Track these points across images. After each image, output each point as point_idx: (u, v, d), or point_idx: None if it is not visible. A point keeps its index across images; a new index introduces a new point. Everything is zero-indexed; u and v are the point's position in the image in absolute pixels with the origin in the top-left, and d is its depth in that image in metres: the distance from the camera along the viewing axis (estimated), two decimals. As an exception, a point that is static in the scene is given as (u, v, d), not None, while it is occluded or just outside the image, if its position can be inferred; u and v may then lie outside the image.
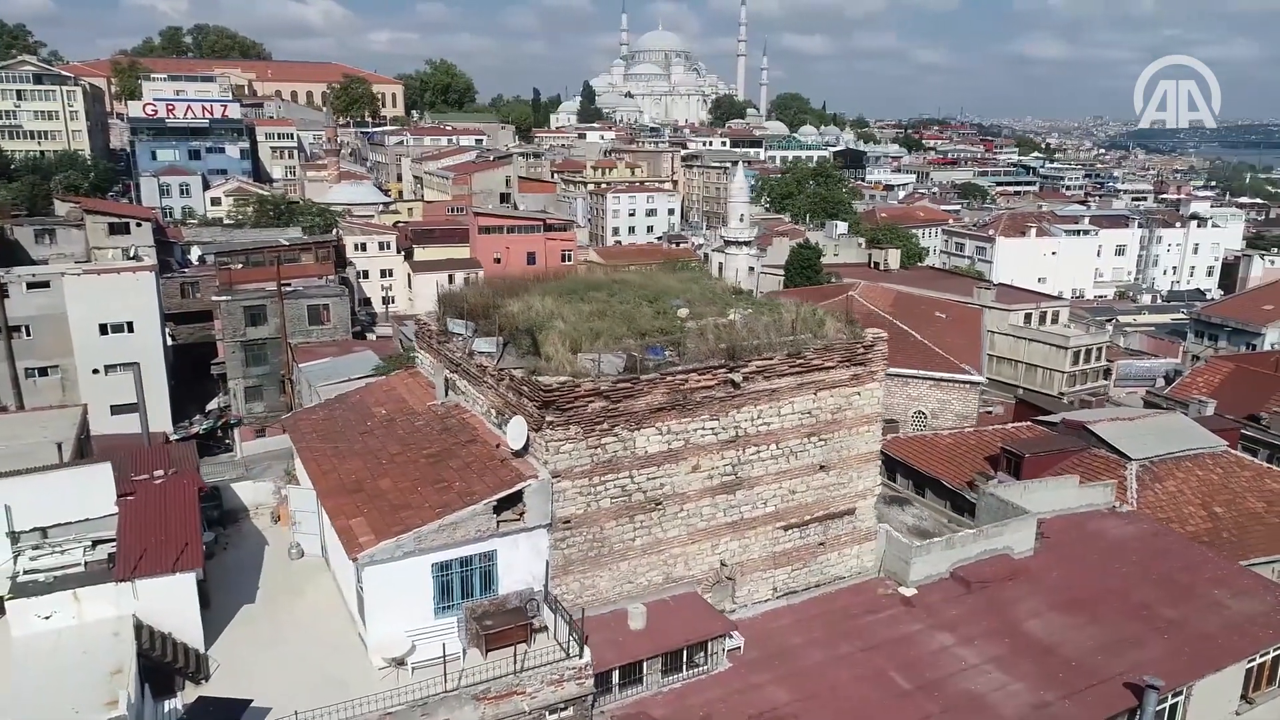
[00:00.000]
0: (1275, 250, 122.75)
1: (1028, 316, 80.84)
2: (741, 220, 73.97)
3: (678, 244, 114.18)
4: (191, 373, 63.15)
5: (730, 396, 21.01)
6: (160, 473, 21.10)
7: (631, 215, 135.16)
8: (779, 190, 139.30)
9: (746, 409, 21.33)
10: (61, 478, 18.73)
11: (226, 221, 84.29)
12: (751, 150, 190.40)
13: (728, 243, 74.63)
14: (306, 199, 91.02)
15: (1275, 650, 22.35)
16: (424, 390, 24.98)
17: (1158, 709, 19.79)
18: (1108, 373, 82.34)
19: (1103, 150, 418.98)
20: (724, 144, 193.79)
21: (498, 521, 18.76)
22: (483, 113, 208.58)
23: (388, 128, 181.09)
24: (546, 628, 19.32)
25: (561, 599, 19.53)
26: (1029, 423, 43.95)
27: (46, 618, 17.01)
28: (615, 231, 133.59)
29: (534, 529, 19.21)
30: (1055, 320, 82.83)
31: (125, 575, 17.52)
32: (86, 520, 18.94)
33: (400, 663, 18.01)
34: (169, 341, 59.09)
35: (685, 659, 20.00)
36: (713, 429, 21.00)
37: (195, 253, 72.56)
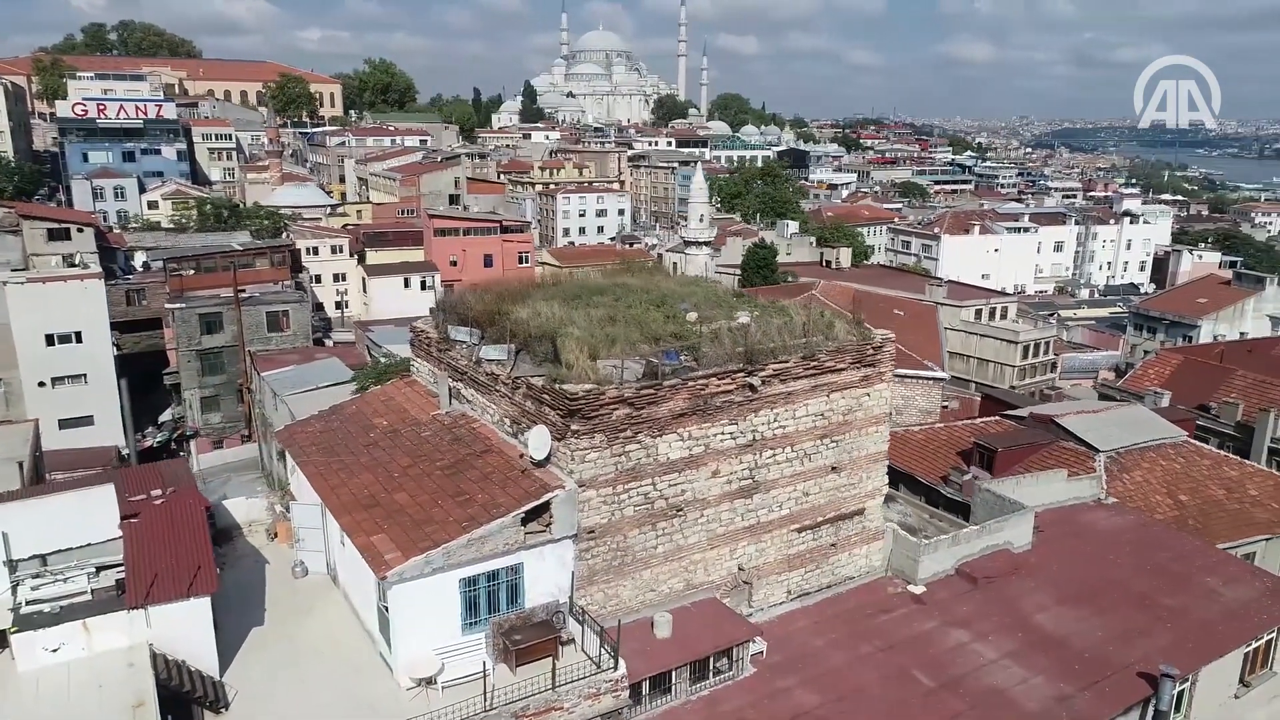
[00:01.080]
0: (1202, 245, 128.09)
1: (978, 312, 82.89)
2: (701, 220, 74.20)
3: (631, 244, 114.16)
4: (139, 383, 60.81)
5: (748, 401, 20.94)
6: (158, 492, 20.14)
7: (582, 216, 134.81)
8: (728, 190, 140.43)
9: (763, 413, 21.28)
10: (62, 501, 17.72)
11: (168, 226, 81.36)
12: (697, 150, 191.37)
13: (688, 243, 74.85)
14: (255, 202, 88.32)
15: (1269, 635, 23.17)
16: (425, 400, 24.38)
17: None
18: (1053, 366, 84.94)
19: (1029, 149, 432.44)
20: (669, 144, 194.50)
21: (525, 534, 18.38)
22: (425, 113, 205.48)
23: (327, 128, 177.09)
24: (574, 640, 18.99)
25: (586, 610, 19.22)
26: (996, 417, 44.86)
27: (54, 650, 16.10)
28: (565, 233, 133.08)
29: (560, 540, 18.86)
30: (1004, 316, 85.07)
31: (137, 602, 16.68)
32: (89, 545, 17.97)
33: (430, 682, 17.50)
34: (114, 351, 56.82)
35: (712, 666, 19.86)
36: (731, 433, 20.90)
37: (140, 259, 69.88)
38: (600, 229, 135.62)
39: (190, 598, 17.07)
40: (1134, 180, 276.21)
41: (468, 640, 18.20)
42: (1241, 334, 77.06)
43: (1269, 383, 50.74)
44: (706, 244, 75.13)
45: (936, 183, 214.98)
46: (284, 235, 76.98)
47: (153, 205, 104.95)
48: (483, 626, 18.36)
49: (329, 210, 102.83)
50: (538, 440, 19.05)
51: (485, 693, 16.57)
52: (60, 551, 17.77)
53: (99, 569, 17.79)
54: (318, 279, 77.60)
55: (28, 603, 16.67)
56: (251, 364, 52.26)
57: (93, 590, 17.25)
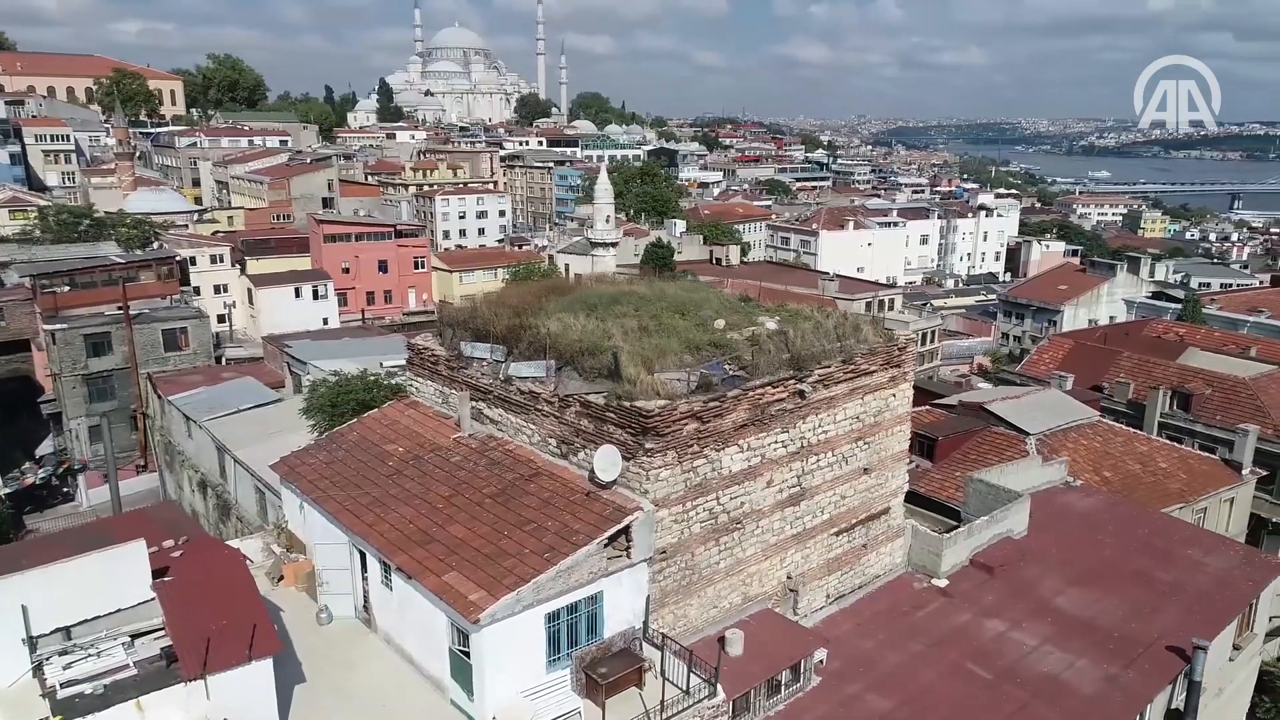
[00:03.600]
0: (1048, 236, 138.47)
1: (868, 305, 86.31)
2: (608, 221, 73.64)
3: (520, 246, 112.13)
4: (2, 414, 54.51)
5: (797, 408, 20.74)
6: (170, 543, 17.92)
7: (462, 218, 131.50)
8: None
9: (810, 419, 21.15)
10: (87, 564, 15.33)
11: (16, 237, 73.29)
12: (568, 150, 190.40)
13: (594, 244, 74.08)
14: (119, 210, 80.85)
15: (1253, 600, 25.09)
16: (436, 422, 22.84)
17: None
18: (934, 353, 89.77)
19: (870, 146, 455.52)
20: (540, 144, 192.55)
21: (607, 560, 17.48)
22: (280, 111, 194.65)
23: (173, 128, 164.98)
24: (653, 666, 18.23)
25: (664, 634, 18.51)
26: (927, 406, 46.66)
27: (106, 737, 13.99)
28: (446, 235, 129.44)
29: (637, 564, 18.06)
30: (892, 307, 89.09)
31: (196, 673, 14.72)
32: (118, 611, 15.73)
33: (521, 728, 16.36)
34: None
35: (784, 679, 19.56)
36: (783, 442, 20.65)
37: (-8, 275, 62.41)
38: (481, 231, 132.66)
39: (252, 661, 15.23)
40: (964, 175, 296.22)
41: (552, 679, 17.14)
42: (1111, 317, 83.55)
43: (1152, 362, 55.26)
44: (614, 245, 74.67)
45: (798, 180, 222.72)
46: (156, 245, 70.88)
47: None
48: (566, 662, 17.34)
49: (195, 217, 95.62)
50: (606, 461, 18.14)
51: (605, 734, 15.62)
52: (85, 622, 15.46)
53: (133, 637, 15.60)
54: (197, 291, 72.08)
55: (62, 685, 14.39)
56: (151, 387, 47.79)
57: (134, 663, 15.09)
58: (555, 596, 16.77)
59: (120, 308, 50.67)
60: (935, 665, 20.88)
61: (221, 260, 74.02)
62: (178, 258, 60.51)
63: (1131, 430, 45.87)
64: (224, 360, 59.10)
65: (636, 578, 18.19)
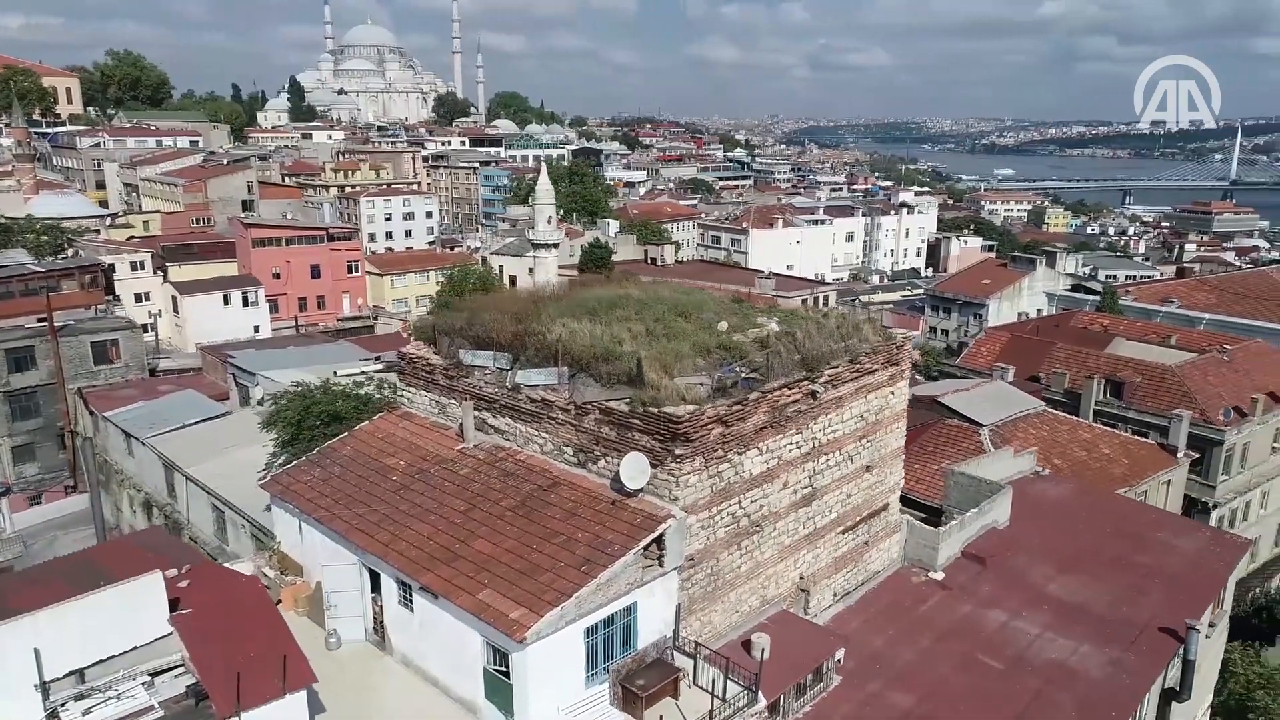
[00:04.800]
0: (965, 232, 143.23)
1: (804, 301, 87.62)
2: (550, 222, 72.86)
3: (453, 248, 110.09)
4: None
5: (810, 409, 20.80)
6: (175, 572, 16.83)
7: (388, 220, 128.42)
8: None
9: (820, 419, 21.23)
10: (103, 601, 14.20)
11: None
12: (492, 150, 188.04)
13: (536, 245, 73.20)
14: (28, 215, 76.05)
15: (1228, 579, 26.30)
16: (435, 434, 22.12)
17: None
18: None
19: (783, 145, 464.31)
20: (463, 143, 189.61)
21: (642, 570, 17.18)
22: (187, 111, 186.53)
23: (72, 128, 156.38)
24: (686, 675, 18.01)
25: (693, 641, 18.31)
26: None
27: (139, 785, 13.03)
28: (372, 238, 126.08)
29: (668, 572, 17.80)
30: (827, 303, 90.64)
31: (229, 711, 13.85)
32: (133, 650, 14.66)
33: (565, 747, 15.93)
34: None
35: (809, 680, 19.57)
36: (797, 443, 20.67)
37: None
38: (408, 233, 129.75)
39: (286, 695, 14.42)
40: (875, 173, 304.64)
41: (591, 694, 16.77)
42: (1039, 310, 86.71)
43: (1084, 352, 57.59)
44: (555, 246, 73.92)
45: (721, 179, 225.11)
46: (71, 253, 67.00)
47: None
48: (603, 677, 16.99)
49: (107, 222, 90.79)
50: (634, 468, 17.81)
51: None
52: (100, 662, 14.37)
53: (153, 675, 14.58)
54: (117, 299, 68.48)
55: (84, 732, 13.34)
56: (82, 403, 45.11)
57: (159, 703, 14.10)
58: (595, 610, 16.39)
59: (42, 319, 47.69)
60: (947, 658, 21.21)
61: (143, 267, 70.48)
62: (99, 266, 57.22)
63: (1075, 419, 47.69)
64: (158, 373, 56.27)
65: (668, 586, 17.94)
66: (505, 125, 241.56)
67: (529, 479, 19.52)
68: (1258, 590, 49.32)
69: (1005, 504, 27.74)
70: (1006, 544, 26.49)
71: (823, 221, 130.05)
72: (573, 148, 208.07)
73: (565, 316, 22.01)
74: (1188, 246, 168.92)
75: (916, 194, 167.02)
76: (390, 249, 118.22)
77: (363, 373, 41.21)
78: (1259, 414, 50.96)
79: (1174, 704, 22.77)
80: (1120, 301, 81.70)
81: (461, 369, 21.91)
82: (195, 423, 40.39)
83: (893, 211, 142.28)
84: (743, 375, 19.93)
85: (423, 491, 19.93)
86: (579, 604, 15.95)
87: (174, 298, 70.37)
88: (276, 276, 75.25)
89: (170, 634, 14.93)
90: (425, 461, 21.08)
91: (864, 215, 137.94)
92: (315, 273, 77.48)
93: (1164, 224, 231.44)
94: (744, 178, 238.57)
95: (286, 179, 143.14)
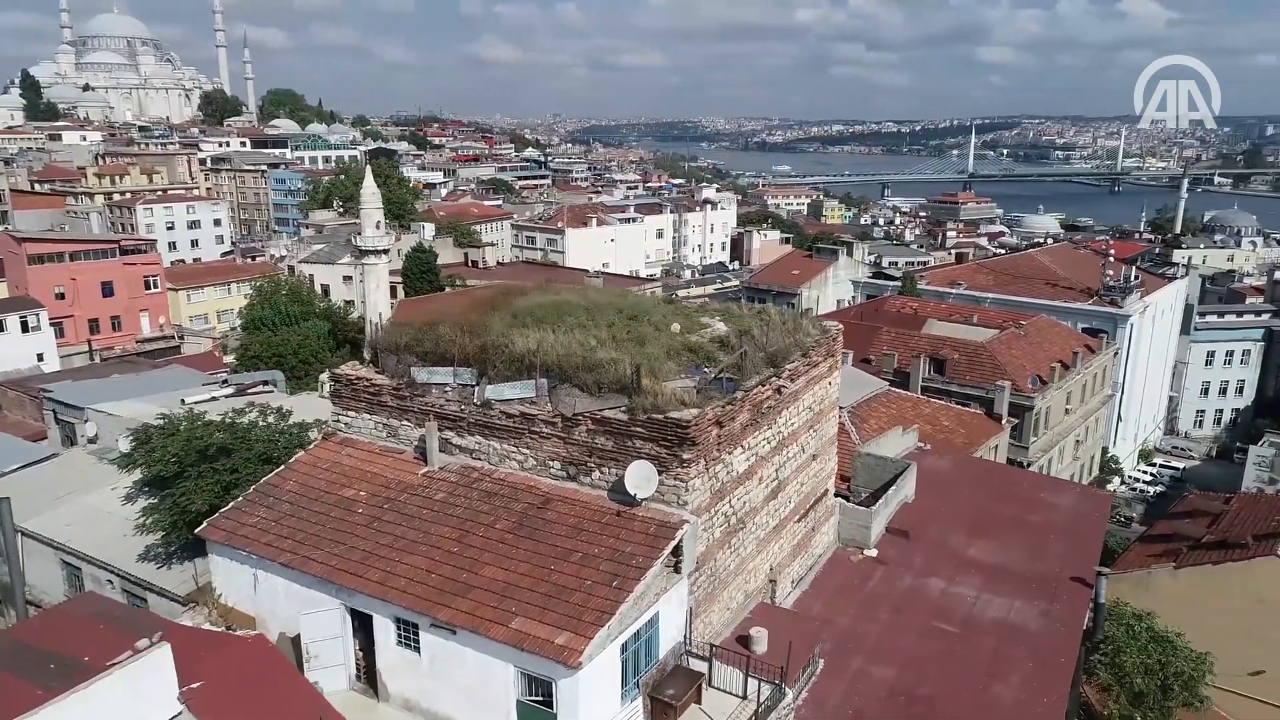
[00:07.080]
0: (765, 225, 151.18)
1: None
2: (378, 227, 69.16)
3: (254, 257, 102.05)
4: None
5: (777, 404, 21.34)
6: (146, 642, 14.69)
7: (171, 229, 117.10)
8: (339, 192, 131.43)
9: (784, 414, 21.83)
10: (107, 688, 12.07)
11: None
12: (277, 151, 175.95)
13: (364, 252, 69.24)
14: None
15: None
16: (387, 459, 20.65)
17: (1081, 592, 25.17)
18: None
19: (570, 144, 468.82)
20: (243, 144, 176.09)
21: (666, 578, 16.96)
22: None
23: None
24: (705, 677, 18.00)
25: (702, 643, 18.34)
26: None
27: None
28: (154, 248, 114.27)
29: (683, 578, 17.70)
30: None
31: (280, 789, 12.34)
32: (143, 736, 12.64)
33: (614, 769, 15.47)
34: None
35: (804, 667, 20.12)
36: (768, 439, 21.15)
37: None
38: (195, 243, 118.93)
39: (335, 761, 13.03)
40: (660, 171, 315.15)
41: (626, 710, 16.40)
42: (854, 296, 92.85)
43: (906, 334, 62.72)
44: (385, 252, 70.31)
45: (520, 179, 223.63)
46: None
47: None
48: (635, 691, 16.66)
49: None
50: (640, 477, 17.54)
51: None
52: (106, 756, 12.27)
53: (168, 764, 12.67)
54: None
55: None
56: None
57: (190, 794, 12.27)
58: (630, 625, 16.02)
59: None
60: (909, 629, 22.50)
61: (-111, 293, 60.06)
62: None
63: (915, 395, 51.79)
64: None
65: (681, 592, 17.85)
66: (286, 125, 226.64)
67: (517, 498, 18.69)
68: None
69: (912, 480, 29.75)
70: (921, 517, 28.41)
71: (635, 219, 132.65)
72: (364, 148, 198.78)
73: (517, 327, 21.24)
74: (949, 234, 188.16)
75: (717, 191, 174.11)
76: (180, 261, 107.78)
77: (213, 398, 37.78)
78: (1056, 380, 57.84)
79: (1086, 644, 25.41)
80: (918, 286, 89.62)
81: (415, 388, 20.57)
82: (15, 469, 35.08)
83: (698, 208, 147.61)
84: (722, 376, 20.12)
85: (398, 522, 18.55)
86: (621, 620, 15.52)
87: (-65, 326, 60.50)
88: (60, 296, 66.54)
89: (180, 713, 13.03)
90: (389, 489, 19.62)
91: (672, 212, 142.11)
92: (107, 290, 69.22)
93: (921, 214, 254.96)
94: (542, 177, 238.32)
95: (37, 185, 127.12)
